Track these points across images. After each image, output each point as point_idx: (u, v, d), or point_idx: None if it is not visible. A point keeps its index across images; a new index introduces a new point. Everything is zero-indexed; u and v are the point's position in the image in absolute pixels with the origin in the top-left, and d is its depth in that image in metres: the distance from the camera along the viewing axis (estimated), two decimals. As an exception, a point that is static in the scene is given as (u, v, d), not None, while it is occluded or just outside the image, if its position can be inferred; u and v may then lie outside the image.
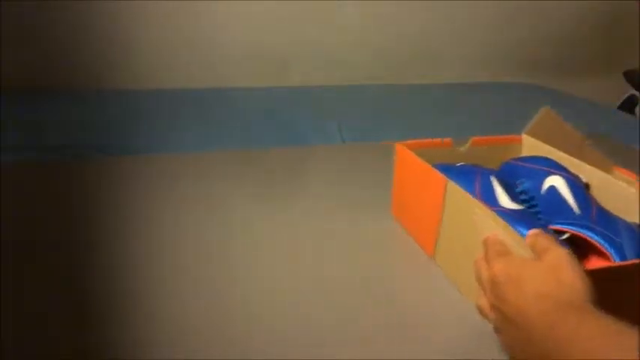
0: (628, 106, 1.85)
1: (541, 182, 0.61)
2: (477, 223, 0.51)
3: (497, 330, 0.42)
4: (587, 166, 0.65)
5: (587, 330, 0.35)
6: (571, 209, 0.57)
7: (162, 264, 0.60)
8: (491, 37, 1.70)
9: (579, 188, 0.60)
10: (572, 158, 0.66)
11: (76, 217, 0.69)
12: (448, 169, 0.61)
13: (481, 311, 0.45)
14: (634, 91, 1.86)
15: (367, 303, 0.54)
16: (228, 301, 0.54)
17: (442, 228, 0.59)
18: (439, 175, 0.58)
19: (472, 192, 0.57)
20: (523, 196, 0.61)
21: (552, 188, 0.60)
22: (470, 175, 0.61)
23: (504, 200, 0.58)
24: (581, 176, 0.64)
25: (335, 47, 1.53)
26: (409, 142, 0.68)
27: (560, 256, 0.40)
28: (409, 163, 0.66)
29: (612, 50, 1.88)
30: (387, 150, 1.00)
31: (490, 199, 0.58)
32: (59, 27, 1.28)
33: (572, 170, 0.65)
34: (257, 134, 1.07)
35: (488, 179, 0.61)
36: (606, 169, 0.64)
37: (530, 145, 0.74)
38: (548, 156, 0.68)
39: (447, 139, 0.71)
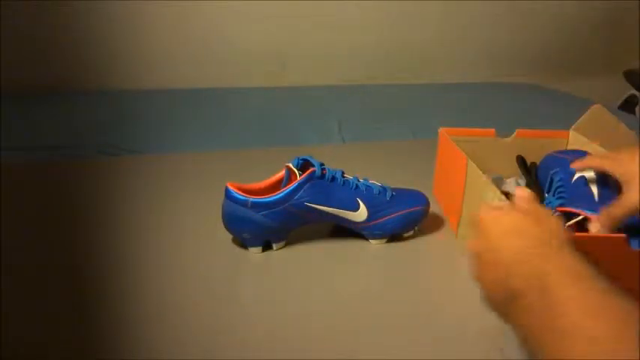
0: (628, 106, 1.85)
1: (573, 172, 0.62)
2: None
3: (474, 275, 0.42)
4: None
5: (564, 284, 0.33)
6: (592, 197, 0.58)
7: (161, 264, 0.60)
8: (491, 37, 1.70)
9: (608, 183, 0.60)
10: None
11: (76, 217, 0.69)
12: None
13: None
14: (634, 91, 1.86)
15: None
16: (229, 300, 0.54)
17: (464, 208, 0.62)
18: (461, 154, 0.61)
19: None
20: (556, 184, 0.63)
21: (581, 178, 0.61)
22: None
23: None
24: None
25: (335, 47, 1.53)
26: (453, 128, 0.69)
27: (543, 209, 0.41)
28: (446, 147, 0.70)
29: (612, 50, 1.88)
30: (386, 148, 1.01)
31: None
32: (59, 28, 1.28)
33: None
34: (257, 134, 1.07)
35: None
36: None
37: (576, 141, 0.76)
38: (594, 152, 0.70)
39: (490, 130, 0.74)
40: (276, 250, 0.62)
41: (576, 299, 0.32)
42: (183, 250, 0.63)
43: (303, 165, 0.61)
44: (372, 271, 0.61)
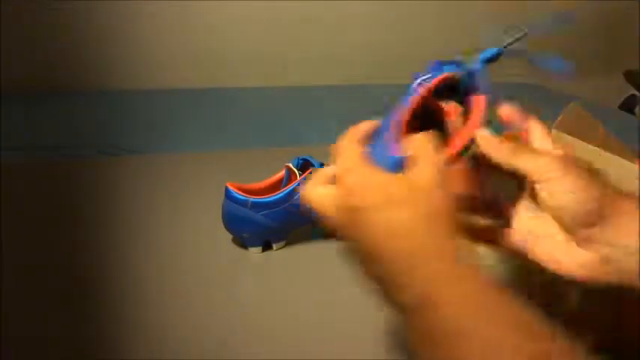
0: (628, 106, 1.85)
1: None
2: None
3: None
4: (615, 157, 0.66)
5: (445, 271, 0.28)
6: None
7: (161, 264, 0.60)
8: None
9: None
10: (600, 150, 0.68)
11: (76, 217, 0.69)
12: None
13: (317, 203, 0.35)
14: (634, 91, 1.86)
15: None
16: (229, 300, 0.54)
17: None
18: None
19: None
20: None
21: None
22: None
23: None
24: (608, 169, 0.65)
25: (335, 47, 1.53)
26: None
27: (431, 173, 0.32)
28: None
29: (612, 50, 1.87)
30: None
31: None
32: (59, 28, 1.27)
33: (600, 162, 0.67)
34: (257, 134, 1.07)
35: None
36: (630, 161, 0.65)
37: (559, 139, 0.75)
38: (577, 148, 0.69)
39: None
40: (276, 250, 0.62)
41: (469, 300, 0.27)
42: (183, 249, 0.63)
43: (303, 165, 0.61)
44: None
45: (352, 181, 0.33)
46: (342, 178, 0.33)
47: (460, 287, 0.28)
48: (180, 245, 0.63)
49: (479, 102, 0.38)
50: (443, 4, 1.58)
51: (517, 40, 0.41)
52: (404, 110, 0.37)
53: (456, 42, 1.80)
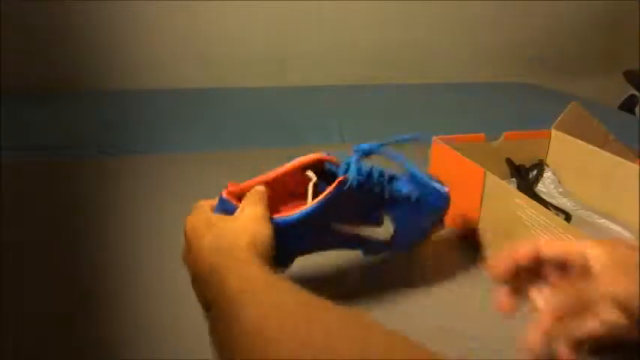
0: (628, 106, 1.85)
1: None
2: (523, 217, 0.54)
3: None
4: (615, 158, 0.66)
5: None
6: None
7: (161, 264, 0.60)
8: (491, 37, 1.70)
9: None
10: (600, 150, 0.69)
11: (76, 217, 0.69)
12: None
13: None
14: (634, 91, 1.86)
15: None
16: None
17: (482, 217, 0.62)
18: (477, 167, 0.61)
19: None
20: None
21: None
22: None
23: None
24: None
25: (335, 47, 1.53)
26: (444, 136, 0.70)
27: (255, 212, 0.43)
28: (445, 157, 0.68)
29: (612, 50, 1.88)
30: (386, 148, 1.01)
31: None
32: (59, 27, 1.28)
33: (600, 162, 0.67)
34: (257, 134, 1.07)
35: None
36: (630, 161, 0.65)
37: (559, 139, 0.76)
38: (577, 149, 0.71)
39: (480, 135, 0.73)
40: None
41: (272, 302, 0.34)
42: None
43: None
44: (372, 271, 0.61)
45: (189, 219, 0.45)
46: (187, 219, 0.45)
47: (251, 274, 0.37)
48: (181, 245, 0.63)
49: (333, 184, 0.46)
50: (443, 4, 1.58)
51: (389, 144, 0.52)
52: (261, 177, 0.49)
53: (456, 42, 1.80)
